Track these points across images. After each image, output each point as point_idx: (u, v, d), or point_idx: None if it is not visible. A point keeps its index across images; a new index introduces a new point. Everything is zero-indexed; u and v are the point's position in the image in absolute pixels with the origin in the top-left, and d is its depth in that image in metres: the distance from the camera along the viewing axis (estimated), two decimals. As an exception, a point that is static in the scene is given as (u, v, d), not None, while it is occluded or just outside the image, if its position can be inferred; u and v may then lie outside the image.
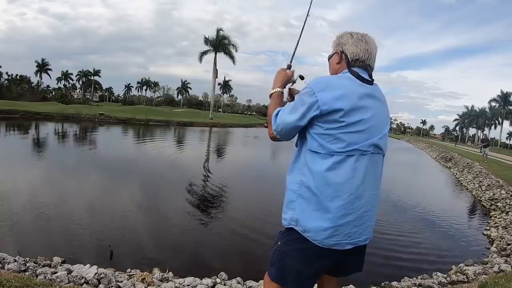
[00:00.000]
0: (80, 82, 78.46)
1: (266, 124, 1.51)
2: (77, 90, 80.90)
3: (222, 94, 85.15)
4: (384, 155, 1.43)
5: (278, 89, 1.55)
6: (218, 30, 38.89)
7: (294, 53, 1.70)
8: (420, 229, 6.28)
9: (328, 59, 1.51)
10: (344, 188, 1.28)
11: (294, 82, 1.61)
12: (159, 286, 2.99)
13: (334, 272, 1.52)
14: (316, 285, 1.67)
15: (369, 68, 1.42)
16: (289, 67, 1.62)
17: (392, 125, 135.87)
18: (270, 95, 1.55)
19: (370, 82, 1.39)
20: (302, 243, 1.33)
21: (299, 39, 1.74)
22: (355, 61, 1.40)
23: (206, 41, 39.61)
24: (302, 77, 1.59)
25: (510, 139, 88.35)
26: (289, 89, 1.62)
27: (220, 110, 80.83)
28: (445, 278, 3.83)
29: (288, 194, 1.40)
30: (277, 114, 1.41)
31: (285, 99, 1.58)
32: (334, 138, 1.29)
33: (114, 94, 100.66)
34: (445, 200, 10.15)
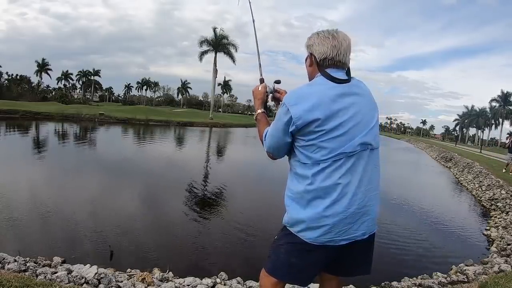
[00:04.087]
0: (80, 82, 78.51)
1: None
2: (77, 90, 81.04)
3: (222, 94, 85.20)
4: (376, 148, 1.41)
5: (259, 111, 1.58)
6: (214, 29, 38.81)
7: (260, 65, 1.75)
8: (420, 229, 6.28)
9: (305, 62, 1.49)
10: (332, 190, 1.30)
11: (273, 89, 1.63)
12: (159, 286, 2.99)
13: (334, 270, 1.53)
14: (318, 285, 1.67)
15: (340, 65, 1.37)
16: (261, 80, 1.66)
17: (392, 125, 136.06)
18: (255, 119, 1.59)
19: (344, 80, 1.35)
20: (295, 237, 1.38)
21: (258, 51, 1.80)
22: (323, 61, 1.36)
23: (202, 42, 39.33)
24: (278, 82, 1.64)
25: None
26: (272, 96, 1.64)
27: (220, 110, 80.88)
28: (445, 278, 3.83)
29: (285, 199, 1.45)
30: (265, 136, 1.47)
31: (270, 104, 1.64)
32: (316, 147, 1.30)
33: (114, 94, 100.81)
34: (445, 200, 10.14)
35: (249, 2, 2.00)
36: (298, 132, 1.31)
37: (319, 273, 1.53)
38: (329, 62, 1.36)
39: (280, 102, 1.60)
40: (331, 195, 1.30)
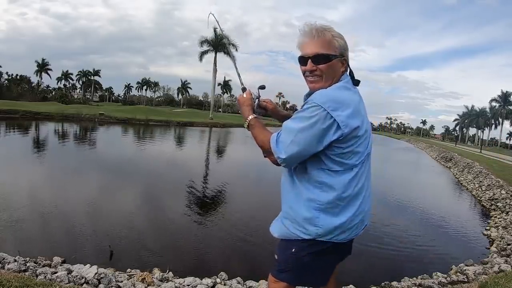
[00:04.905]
0: (80, 82, 78.50)
1: (265, 155, 1.40)
2: (77, 90, 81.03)
3: (222, 94, 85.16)
4: None
5: (251, 117, 1.45)
6: (214, 29, 38.83)
7: (239, 75, 1.68)
8: (420, 229, 6.28)
9: (323, 61, 1.30)
10: (360, 192, 1.35)
11: (258, 96, 1.59)
12: (159, 286, 2.99)
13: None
14: None
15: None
16: (243, 89, 1.57)
17: (392, 125, 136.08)
18: (248, 126, 1.45)
19: (356, 82, 1.40)
20: (323, 243, 1.35)
21: (234, 62, 1.82)
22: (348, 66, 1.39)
23: (203, 42, 39.46)
24: (263, 87, 1.60)
25: (510, 139, 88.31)
26: (258, 103, 1.58)
27: (220, 110, 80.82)
28: (445, 278, 3.83)
29: (308, 211, 1.32)
30: (277, 141, 1.28)
31: (256, 111, 1.55)
32: (352, 153, 1.29)
33: (114, 94, 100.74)
34: (445, 200, 10.14)
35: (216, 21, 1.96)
36: (340, 140, 1.22)
37: None
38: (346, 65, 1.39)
39: (272, 108, 1.61)
40: (359, 197, 1.35)
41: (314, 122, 1.19)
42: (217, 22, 1.98)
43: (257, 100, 1.58)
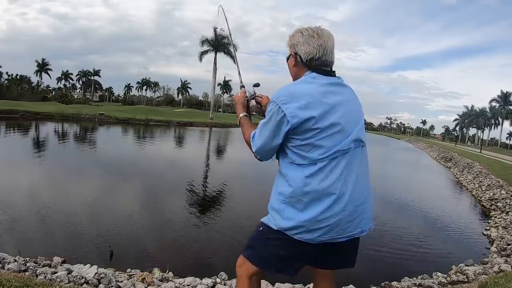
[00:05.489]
0: (80, 82, 78.50)
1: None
2: (77, 90, 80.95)
3: (222, 94, 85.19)
4: (365, 145, 1.39)
5: (241, 115, 1.58)
6: (214, 29, 38.91)
7: (239, 74, 1.79)
8: (420, 229, 6.28)
9: (287, 61, 1.45)
10: (330, 190, 1.26)
11: (254, 93, 1.69)
12: (159, 286, 2.99)
13: (321, 261, 1.49)
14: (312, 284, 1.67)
15: (327, 64, 1.36)
16: (241, 87, 1.71)
17: (392, 125, 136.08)
18: (239, 122, 1.57)
19: (334, 74, 1.36)
20: (289, 237, 1.33)
21: (237, 62, 1.84)
22: (310, 61, 1.34)
23: (203, 42, 39.55)
24: (257, 85, 1.69)
25: (510, 139, 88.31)
26: (254, 99, 1.69)
27: (220, 110, 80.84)
28: (445, 278, 3.83)
29: (275, 203, 1.38)
30: (252, 136, 1.41)
31: (252, 105, 1.67)
32: (312, 146, 1.26)
33: (114, 94, 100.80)
34: (445, 200, 10.14)
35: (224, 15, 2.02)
36: (293, 131, 1.27)
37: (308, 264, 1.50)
38: (316, 63, 1.34)
39: (265, 103, 1.64)
40: (330, 196, 1.26)
41: (270, 116, 1.30)
42: (225, 17, 2.02)
43: (252, 98, 1.67)
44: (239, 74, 1.79)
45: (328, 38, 1.35)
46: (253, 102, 1.68)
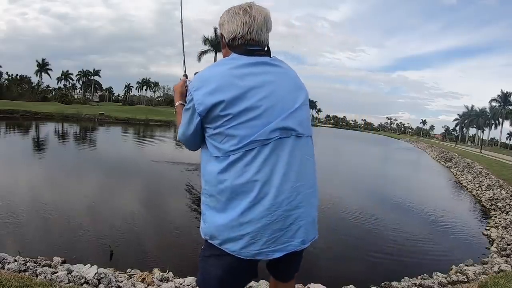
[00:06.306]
0: (80, 82, 78.43)
1: None
2: (77, 90, 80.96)
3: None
4: (305, 136, 1.17)
5: (177, 103, 1.41)
6: (214, 29, 38.99)
7: (184, 63, 1.67)
8: (420, 229, 6.28)
9: None
10: (247, 188, 1.06)
11: None
12: (159, 286, 2.99)
13: (273, 273, 1.37)
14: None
15: (254, 43, 1.16)
16: (184, 75, 1.58)
17: (392, 125, 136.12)
18: (175, 111, 1.43)
19: (259, 52, 1.17)
20: (219, 249, 1.13)
21: (183, 50, 1.74)
22: (232, 41, 1.16)
23: (205, 41, 39.75)
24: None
25: (510, 139, 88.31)
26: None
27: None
28: (445, 278, 3.83)
29: (201, 205, 1.21)
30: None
31: None
32: (224, 136, 1.08)
33: (114, 94, 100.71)
34: (445, 200, 10.14)
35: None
36: (205, 119, 1.10)
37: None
38: (239, 42, 1.15)
39: None
40: (248, 195, 1.06)
41: (187, 104, 1.17)
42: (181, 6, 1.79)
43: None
44: (184, 64, 1.67)
45: (258, 13, 1.15)
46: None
